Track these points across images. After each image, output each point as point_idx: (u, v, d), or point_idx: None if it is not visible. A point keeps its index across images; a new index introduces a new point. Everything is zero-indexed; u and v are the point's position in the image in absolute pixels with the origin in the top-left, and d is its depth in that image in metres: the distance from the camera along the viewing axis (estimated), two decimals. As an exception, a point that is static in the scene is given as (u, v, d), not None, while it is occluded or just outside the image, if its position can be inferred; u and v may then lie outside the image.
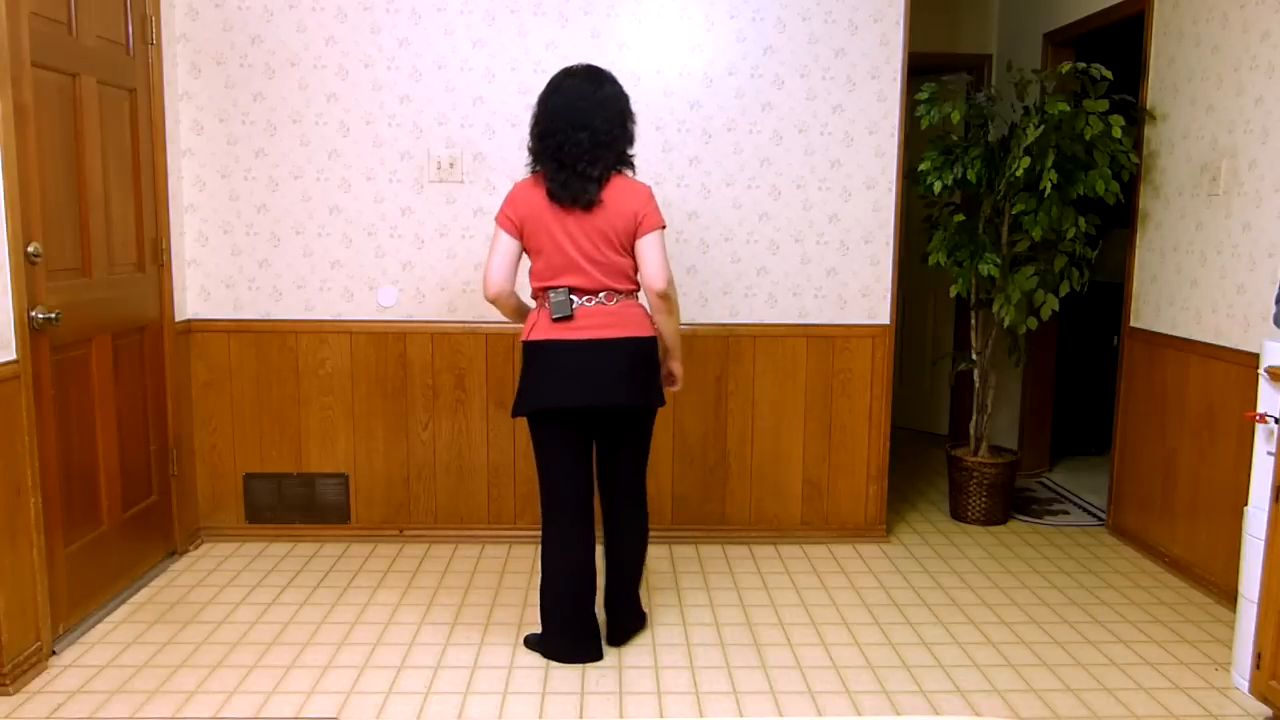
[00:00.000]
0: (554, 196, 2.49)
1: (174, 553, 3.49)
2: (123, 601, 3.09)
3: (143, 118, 3.26)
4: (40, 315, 2.64)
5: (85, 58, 2.92)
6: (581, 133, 2.47)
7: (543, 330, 2.55)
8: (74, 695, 2.51)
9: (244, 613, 3.03)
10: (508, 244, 2.56)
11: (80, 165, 2.91)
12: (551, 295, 2.53)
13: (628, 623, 2.85)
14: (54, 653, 2.74)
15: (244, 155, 3.52)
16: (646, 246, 2.53)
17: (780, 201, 3.61)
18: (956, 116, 3.80)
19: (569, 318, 2.52)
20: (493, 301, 2.60)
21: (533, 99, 3.47)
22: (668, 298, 2.57)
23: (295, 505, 3.67)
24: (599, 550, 2.79)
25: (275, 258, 3.57)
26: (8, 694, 2.50)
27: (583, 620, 2.71)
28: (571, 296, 2.52)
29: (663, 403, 2.67)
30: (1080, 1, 4.21)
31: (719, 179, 3.58)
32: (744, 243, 3.62)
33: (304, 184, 3.54)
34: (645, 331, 2.59)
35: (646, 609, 3.07)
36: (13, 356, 2.54)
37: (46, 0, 2.72)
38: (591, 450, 2.69)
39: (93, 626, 2.91)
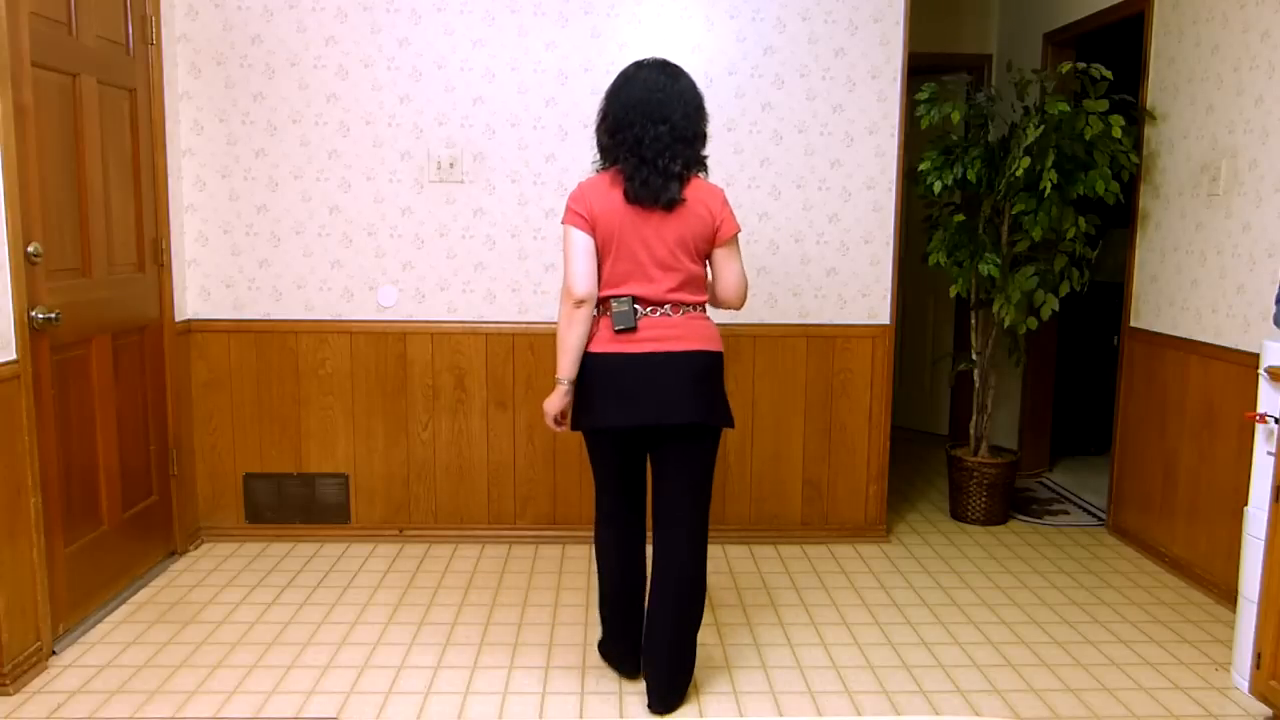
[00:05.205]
0: (633, 197, 2.29)
1: (174, 553, 3.49)
2: (123, 601, 3.10)
3: (143, 118, 3.26)
4: (40, 315, 2.64)
5: (85, 58, 2.92)
6: (661, 126, 2.28)
7: (603, 342, 2.35)
8: (74, 695, 2.51)
9: (244, 613, 3.03)
10: (585, 242, 2.32)
11: (80, 165, 2.91)
12: (614, 305, 2.33)
13: (666, 688, 2.44)
14: (54, 653, 2.74)
15: (244, 155, 3.52)
16: (725, 256, 2.39)
17: (780, 201, 3.61)
18: (956, 116, 3.80)
19: (632, 329, 2.33)
20: (580, 304, 2.33)
21: (533, 99, 3.52)
22: (738, 309, 2.51)
23: (295, 505, 3.67)
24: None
25: (275, 258, 3.57)
26: (8, 694, 2.50)
27: (629, 630, 2.57)
28: (635, 307, 2.33)
29: (730, 424, 2.45)
30: (1080, 1, 4.21)
31: (719, 179, 3.57)
32: (744, 242, 3.61)
33: (304, 184, 3.54)
34: (713, 346, 2.39)
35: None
36: (13, 356, 2.54)
37: (46, 0, 2.72)
38: (646, 465, 2.51)
39: (93, 626, 2.91)
